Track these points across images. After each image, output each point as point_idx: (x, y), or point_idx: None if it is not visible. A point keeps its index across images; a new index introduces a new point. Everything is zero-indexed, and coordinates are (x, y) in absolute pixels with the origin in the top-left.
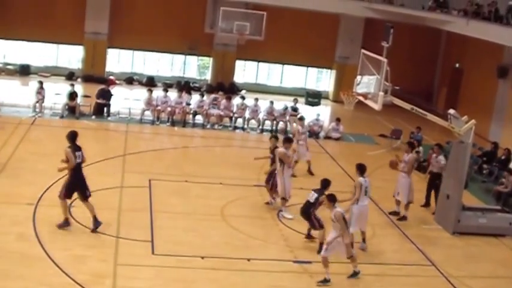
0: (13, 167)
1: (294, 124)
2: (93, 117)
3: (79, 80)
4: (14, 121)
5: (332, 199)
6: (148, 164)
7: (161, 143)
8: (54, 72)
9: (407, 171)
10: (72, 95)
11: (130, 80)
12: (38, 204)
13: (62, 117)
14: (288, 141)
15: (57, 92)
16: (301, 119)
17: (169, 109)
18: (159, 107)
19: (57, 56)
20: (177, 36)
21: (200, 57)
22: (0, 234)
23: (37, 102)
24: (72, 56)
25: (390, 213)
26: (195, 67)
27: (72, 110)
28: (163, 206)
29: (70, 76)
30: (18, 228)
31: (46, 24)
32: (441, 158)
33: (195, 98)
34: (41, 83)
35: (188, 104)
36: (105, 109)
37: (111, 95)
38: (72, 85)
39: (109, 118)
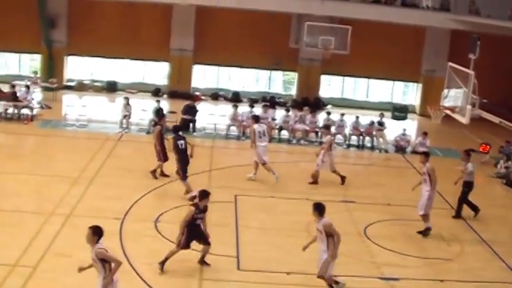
0: (100, 182)
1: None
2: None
3: (165, 96)
4: (101, 137)
5: (319, 208)
6: (234, 179)
7: (247, 159)
8: (140, 88)
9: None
10: (158, 111)
11: (215, 95)
12: (125, 218)
13: (148, 132)
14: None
15: (143, 108)
16: (326, 127)
17: None
18: (244, 123)
19: (143, 73)
20: (262, 52)
21: (285, 72)
22: (86, 249)
23: (124, 118)
24: (158, 72)
25: None
26: (280, 82)
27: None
28: (248, 221)
29: (156, 92)
30: (105, 242)
31: (132, 42)
32: (469, 165)
33: (281, 113)
34: (127, 99)
35: (273, 119)
36: (191, 125)
37: (197, 110)
38: (158, 101)
39: (195, 134)
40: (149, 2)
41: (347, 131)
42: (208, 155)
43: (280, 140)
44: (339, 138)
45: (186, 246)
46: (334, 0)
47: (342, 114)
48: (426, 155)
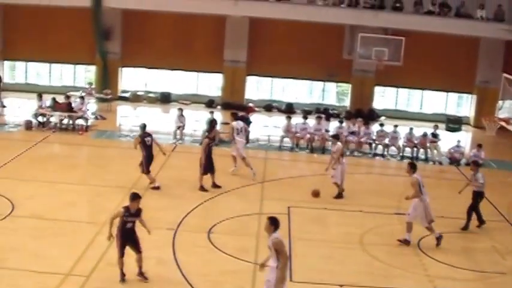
0: (154, 193)
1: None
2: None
3: (218, 107)
4: (154, 148)
5: (274, 223)
6: (287, 191)
7: (300, 170)
8: (194, 99)
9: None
10: (212, 123)
11: (269, 107)
12: (178, 229)
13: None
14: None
15: (197, 119)
16: (335, 136)
17: (308, 136)
18: (298, 134)
19: (197, 84)
20: (316, 63)
21: (339, 84)
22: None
23: (177, 129)
24: (211, 83)
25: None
26: (333, 94)
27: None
28: (301, 233)
29: (210, 103)
30: (158, 252)
31: (186, 53)
32: (479, 175)
33: (334, 124)
34: (181, 110)
35: (327, 131)
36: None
37: (250, 122)
38: (212, 112)
39: (248, 145)
40: (203, 14)
41: (401, 142)
42: (261, 167)
43: None
44: (393, 150)
45: (123, 252)
46: (387, 11)
47: (396, 126)
48: (412, 166)
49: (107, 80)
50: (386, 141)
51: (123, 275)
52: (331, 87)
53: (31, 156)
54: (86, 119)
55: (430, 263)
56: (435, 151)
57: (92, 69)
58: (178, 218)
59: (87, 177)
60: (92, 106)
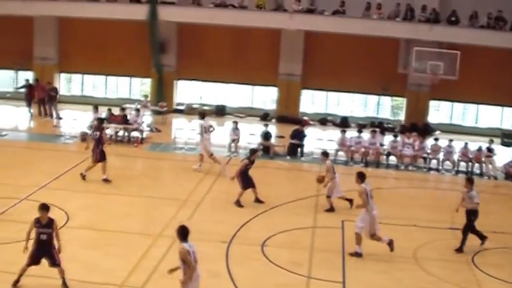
0: (207, 205)
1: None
2: (288, 157)
3: (273, 120)
4: (209, 160)
5: (182, 233)
6: (341, 204)
7: (354, 184)
8: (248, 113)
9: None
10: (266, 136)
11: (323, 120)
12: (231, 242)
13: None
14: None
15: (251, 133)
16: (324, 154)
17: (362, 150)
18: (352, 148)
19: (252, 97)
20: (371, 77)
21: (394, 98)
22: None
23: (232, 142)
24: (266, 97)
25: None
26: (388, 107)
27: (266, 150)
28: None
29: (264, 117)
30: (211, 265)
31: (241, 66)
32: (473, 193)
33: (389, 138)
34: (236, 123)
35: (382, 145)
36: (299, 149)
37: (305, 135)
38: (266, 125)
39: (302, 158)
40: (258, 27)
41: (455, 157)
42: (315, 180)
43: (388, 166)
44: (448, 164)
45: (32, 262)
46: (443, 25)
47: (451, 140)
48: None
49: (162, 93)
50: (441, 155)
51: (16, 281)
52: (386, 101)
53: (86, 167)
54: (141, 131)
55: (484, 278)
56: (490, 166)
57: (148, 82)
58: (232, 231)
59: (141, 189)
60: (147, 118)
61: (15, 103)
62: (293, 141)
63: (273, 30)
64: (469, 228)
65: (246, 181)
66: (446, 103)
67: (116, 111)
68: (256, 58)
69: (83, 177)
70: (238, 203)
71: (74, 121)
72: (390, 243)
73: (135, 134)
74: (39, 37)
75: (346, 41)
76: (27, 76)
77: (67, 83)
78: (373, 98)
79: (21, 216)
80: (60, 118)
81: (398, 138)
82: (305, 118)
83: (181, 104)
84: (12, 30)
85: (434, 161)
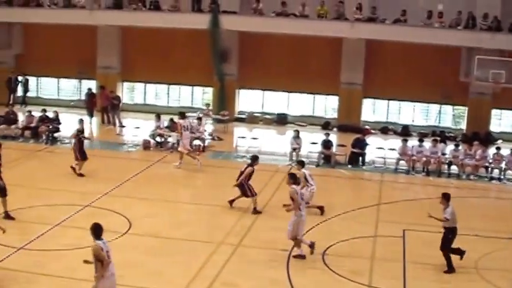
0: (269, 213)
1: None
2: (349, 166)
3: (334, 129)
4: (271, 169)
5: (95, 230)
6: (403, 213)
7: (416, 193)
8: (310, 121)
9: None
10: (328, 144)
11: (385, 129)
12: (292, 250)
13: (317, 165)
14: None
15: (312, 141)
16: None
17: (424, 159)
18: (414, 157)
19: (313, 106)
20: (432, 85)
21: (455, 107)
22: (255, 278)
23: (293, 150)
24: (327, 105)
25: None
26: (450, 116)
27: (327, 159)
28: (417, 257)
29: (326, 125)
30: (272, 273)
31: (302, 75)
32: (448, 210)
33: (450, 147)
34: (297, 132)
35: (443, 154)
36: (360, 158)
37: (367, 144)
38: (327, 134)
39: (364, 167)
40: (319, 36)
41: None
42: (377, 189)
43: (449, 175)
44: (510, 174)
45: None
46: (504, 33)
47: None
48: (291, 177)
49: (224, 102)
50: (503, 164)
51: None
52: (448, 109)
53: (148, 175)
54: (203, 140)
55: None
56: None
57: (209, 90)
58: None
59: (203, 196)
60: (209, 127)
61: (78, 111)
62: (354, 150)
63: (334, 38)
64: (447, 247)
65: (250, 188)
66: (509, 112)
67: (177, 119)
68: (317, 67)
69: (75, 171)
70: (256, 211)
71: (137, 129)
72: (311, 246)
73: (197, 142)
74: (103, 46)
75: (407, 49)
76: (90, 85)
77: (130, 92)
78: (434, 107)
79: (84, 223)
80: (123, 126)
81: (460, 147)
82: (366, 127)
83: (243, 113)
84: (76, 39)
85: (496, 171)
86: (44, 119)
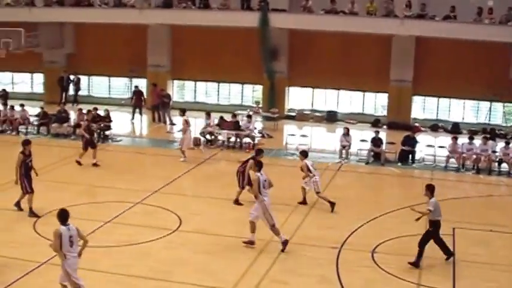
0: (319, 211)
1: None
2: (399, 164)
3: (384, 127)
4: (321, 166)
5: (61, 216)
6: (452, 211)
7: (465, 191)
8: (359, 119)
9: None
10: (377, 142)
11: (435, 127)
12: (342, 248)
13: (367, 163)
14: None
15: (362, 139)
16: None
17: (474, 156)
18: (464, 155)
19: (363, 103)
20: (482, 83)
21: (506, 104)
22: (304, 276)
23: (343, 148)
24: (377, 103)
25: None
26: (500, 114)
27: (377, 157)
28: (466, 255)
29: (375, 123)
30: (322, 270)
31: (352, 73)
32: (431, 201)
33: (501, 145)
34: (347, 129)
35: (494, 152)
36: (410, 156)
37: (416, 142)
38: (377, 132)
39: (414, 165)
40: (368, 33)
41: None
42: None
43: (500, 173)
44: None
45: None
46: None
47: None
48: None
49: (273, 99)
50: None
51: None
52: (498, 107)
53: (198, 173)
54: (253, 137)
55: None
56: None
57: (259, 88)
58: (342, 237)
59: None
60: (258, 124)
61: (129, 109)
62: (404, 148)
63: (384, 36)
64: (434, 240)
65: (242, 179)
66: None
67: (228, 117)
68: (366, 64)
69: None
70: (238, 202)
71: None
72: (284, 243)
73: (246, 140)
74: (153, 45)
75: (457, 46)
76: (140, 83)
77: (180, 90)
78: (484, 104)
79: (134, 220)
80: (174, 124)
81: (511, 145)
82: (416, 124)
83: (293, 110)
84: (126, 38)
85: None
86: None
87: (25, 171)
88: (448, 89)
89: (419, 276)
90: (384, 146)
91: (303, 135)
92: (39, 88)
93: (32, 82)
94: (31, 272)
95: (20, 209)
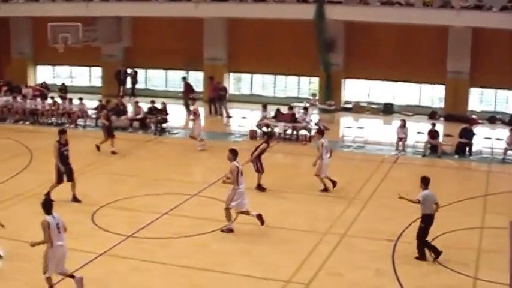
0: (375, 204)
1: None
2: (456, 156)
3: (441, 119)
4: (377, 159)
5: (46, 206)
6: (510, 205)
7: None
8: (416, 111)
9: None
10: (434, 134)
11: (492, 119)
12: (398, 240)
13: (424, 155)
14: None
15: (419, 131)
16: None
17: None
18: None
19: (419, 95)
20: None
21: None
22: (360, 268)
23: (400, 140)
24: (434, 95)
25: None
26: None
27: (434, 149)
28: None
29: (432, 115)
30: (378, 263)
31: (408, 64)
32: (422, 193)
33: None
34: (403, 121)
35: None
36: (467, 148)
37: (474, 134)
38: (434, 124)
39: (471, 157)
40: (424, 25)
41: None
42: (484, 180)
43: None
44: None
45: None
46: None
47: None
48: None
49: (330, 91)
50: None
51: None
52: None
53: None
54: (309, 130)
55: None
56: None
57: (315, 80)
58: (399, 230)
59: (308, 186)
60: (315, 117)
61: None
62: (461, 140)
63: (440, 27)
64: (421, 236)
65: (261, 165)
66: None
67: (285, 110)
68: (423, 56)
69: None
70: (261, 188)
71: (244, 119)
72: (259, 217)
73: (303, 132)
74: (209, 38)
75: None
76: (197, 76)
77: (236, 83)
78: None
79: (191, 211)
80: (230, 117)
81: None
82: (473, 117)
83: (349, 103)
84: (183, 31)
85: None
86: (152, 110)
87: (61, 160)
88: (506, 81)
89: (476, 270)
90: (440, 139)
91: (359, 128)
92: (97, 81)
93: (90, 76)
94: (90, 262)
95: (77, 201)
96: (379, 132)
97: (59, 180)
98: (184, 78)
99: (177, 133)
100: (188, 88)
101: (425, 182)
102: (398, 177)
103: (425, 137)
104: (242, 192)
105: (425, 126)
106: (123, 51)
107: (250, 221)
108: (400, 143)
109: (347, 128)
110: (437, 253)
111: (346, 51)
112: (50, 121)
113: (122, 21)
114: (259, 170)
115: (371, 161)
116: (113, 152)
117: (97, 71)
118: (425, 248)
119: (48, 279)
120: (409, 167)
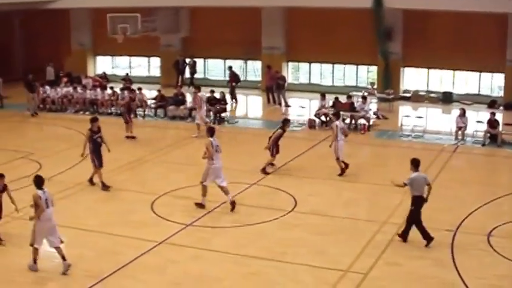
0: (433, 193)
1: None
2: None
3: (501, 108)
4: (436, 148)
5: (37, 182)
6: None
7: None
8: (476, 100)
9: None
10: (494, 123)
11: None
12: (457, 231)
13: (483, 145)
14: None
15: (478, 120)
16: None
17: None
18: None
19: (479, 84)
20: None
21: None
22: (418, 258)
23: (459, 129)
24: (494, 83)
25: None
26: None
27: (494, 138)
28: None
29: (492, 104)
30: (436, 253)
31: (467, 53)
32: (415, 175)
33: None
34: (463, 110)
35: None
36: None
37: None
38: (494, 113)
39: None
40: (483, 12)
41: None
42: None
43: None
44: None
45: None
46: None
47: None
48: (210, 131)
49: (388, 80)
50: None
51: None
52: None
53: (314, 154)
54: (368, 119)
55: None
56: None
57: (374, 69)
58: (458, 220)
59: (367, 175)
60: (373, 106)
61: (244, 91)
62: None
63: (499, 14)
64: (410, 217)
65: (277, 150)
66: None
67: (343, 99)
68: (482, 44)
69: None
70: (265, 171)
71: (302, 109)
72: (232, 203)
73: (361, 121)
74: (267, 27)
75: None
76: (256, 66)
77: (295, 72)
78: None
79: (250, 200)
80: (288, 106)
81: None
82: None
83: (408, 91)
84: (241, 21)
85: None
86: (211, 100)
87: (94, 147)
88: None
89: None
90: (500, 128)
91: (418, 117)
92: (155, 71)
93: (149, 66)
94: (150, 251)
95: (92, 184)
96: (438, 121)
97: (100, 164)
98: (230, 68)
99: (236, 122)
100: (233, 77)
101: (415, 164)
102: (458, 167)
103: (484, 126)
104: (217, 168)
105: (485, 115)
106: (181, 41)
107: (310, 210)
108: (460, 132)
109: (406, 117)
110: (429, 239)
111: (404, 39)
112: (109, 111)
113: (180, 12)
114: (273, 154)
115: (430, 150)
116: (127, 137)
117: (156, 61)
118: (409, 231)
119: (35, 251)
120: (469, 156)
